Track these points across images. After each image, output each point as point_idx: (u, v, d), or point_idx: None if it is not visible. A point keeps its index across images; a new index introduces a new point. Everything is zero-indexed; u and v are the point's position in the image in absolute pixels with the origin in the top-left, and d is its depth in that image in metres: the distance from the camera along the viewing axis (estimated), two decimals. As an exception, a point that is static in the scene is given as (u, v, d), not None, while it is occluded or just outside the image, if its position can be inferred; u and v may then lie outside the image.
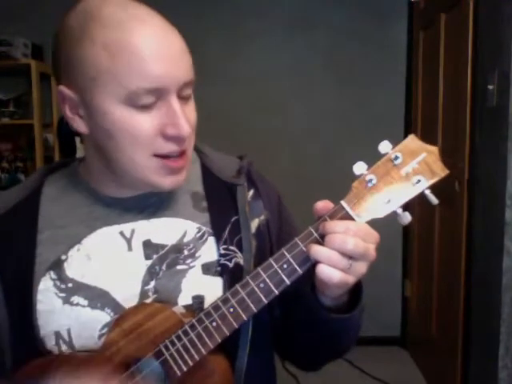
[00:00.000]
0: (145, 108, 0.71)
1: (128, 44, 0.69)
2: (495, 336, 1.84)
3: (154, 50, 0.70)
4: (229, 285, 0.78)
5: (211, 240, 0.81)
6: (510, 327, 1.82)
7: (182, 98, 0.74)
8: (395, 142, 0.71)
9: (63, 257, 0.79)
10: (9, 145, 3.14)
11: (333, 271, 0.66)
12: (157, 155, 0.74)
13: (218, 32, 3.01)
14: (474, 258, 2.10)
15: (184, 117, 0.72)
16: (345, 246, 0.65)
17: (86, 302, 0.77)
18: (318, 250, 0.66)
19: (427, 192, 0.68)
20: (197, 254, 0.81)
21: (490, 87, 1.88)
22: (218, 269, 0.80)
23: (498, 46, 1.83)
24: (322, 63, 3.11)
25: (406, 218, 0.69)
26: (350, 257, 0.66)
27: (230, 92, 3.02)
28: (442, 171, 0.68)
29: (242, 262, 0.81)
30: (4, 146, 3.13)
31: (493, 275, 1.88)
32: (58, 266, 0.79)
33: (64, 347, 0.77)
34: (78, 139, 3.32)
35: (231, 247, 0.81)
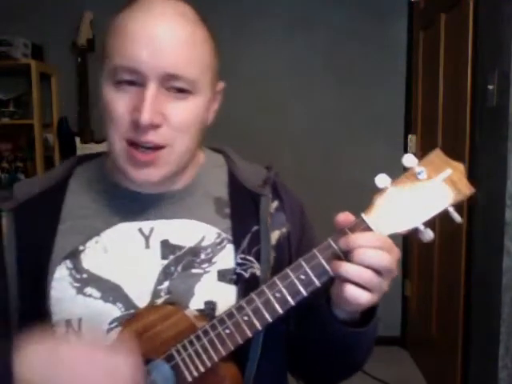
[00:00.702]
0: (122, 86, 0.73)
1: (124, 27, 0.73)
2: (495, 336, 1.84)
3: (143, 34, 0.72)
4: (243, 294, 0.77)
5: (229, 247, 0.81)
6: (510, 327, 1.82)
7: (172, 91, 0.73)
8: (414, 153, 0.68)
9: (81, 247, 0.79)
10: (9, 145, 3.13)
11: (361, 292, 0.64)
12: (126, 140, 0.74)
13: (217, 32, 3.00)
14: (473, 258, 2.10)
15: (151, 105, 0.71)
16: (381, 262, 0.63)
17: (98, 295, 0.78)
18: (347, 270, 0.64)
19: (451, 209, 0.66)
20: (213, 260, 0.80)
21: (490, 87, 1.87)
22: (234, 277, 0.80)
23: (498, 45, 1.83)
24: (321, 63, 3.11)
25: (428, 234, 0.67)
26: (379, 273, 0.64)
27: (230, 92, 3.01)
28: (467, 189, 0.66)
29: (258, 272, 0.80)
30: (4, 146, 3.13)
31: (493, 275, 1.87)
32: (74, 255, 0.79)
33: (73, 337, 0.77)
34: (77, 139, 3.32)
35: (248, 257, 0.81)
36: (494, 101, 1.86)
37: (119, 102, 0.73)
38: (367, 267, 0.64)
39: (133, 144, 0.74)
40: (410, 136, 3.00)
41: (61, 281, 0.78)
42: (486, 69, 1.96)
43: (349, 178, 3.09)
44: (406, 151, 3.05)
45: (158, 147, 0.74)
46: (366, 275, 0.64)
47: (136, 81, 0.72)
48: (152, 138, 0.73)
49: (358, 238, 0.65)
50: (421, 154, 2.86)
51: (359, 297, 0.64)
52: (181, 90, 0.74)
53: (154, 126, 0.72)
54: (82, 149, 2.92)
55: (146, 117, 0.70)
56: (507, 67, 1.76)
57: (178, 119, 0.74)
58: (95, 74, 3.33)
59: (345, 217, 0.68)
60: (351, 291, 0.64)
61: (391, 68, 3.10)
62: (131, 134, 0.73)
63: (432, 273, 2.61)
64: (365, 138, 3.11)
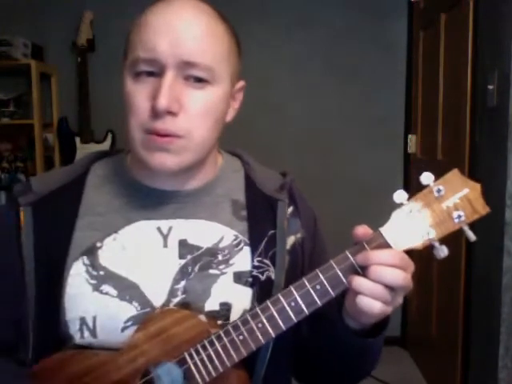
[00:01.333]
0: (142, 78, 0.74)
1: (145, 22, 0.75)
2: (495, 336, 1.84)
3: (162, 27, 0.73)
4: (258, 297, 0.79)
5: (246, 250, 0.81)
6: (510, 327, 1.82)
7: (190, 81, 0.74)
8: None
9: (98, 244, 0.79)
10: (9, 145, 3.13)
11: (374, 303, 0.66)
12: (145, 130, 0.75)
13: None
14: (473, 257, 2.10)
15: (168, 91, 0.71)
16: (395, 281, 0.65)
17: (115, 293, 0.77)
18: (361, 284, 0.66)
19: (466, 228, 0.68)
20: (230, 262, 0.81)
21: (490, 87, 1.88)
22: (250, 279, 0.80)
23: (498, 45, 1.83)
24: (321, 63, 3.11)
25: (443, 251, 0.68)
26: (392, 289, 0.66)
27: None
28: (482, 209, 0.68)
29: (273, 276, 0.81)
30: (4, 146, 3.13)
31: (493, 275, 1.88)
32: (92, 252, 0.79)
33: (86, 334, 0.77)
34: (77, 139, 3.32)
35: (265, 260, 0.81)
36: (494, 101, 1.86)
37: (139, 93, 0.74)
38: (382, 284, 0.65)
39: (151, 133, 0.75)
40: (409, 136, 3.00)
41: (77, 277, 0.78)
42: (486, 69, 1.96)
43: (349, 178, 3.09)
44: (406, 151, 3.05)
45: (174, 136, 0.74)
46: (380, 291, 0.65)
47: (155, 71, 0.74)
48: (169, 126, 0.73)
49: (375, 255, 0.66)
50: (421, 154, 2.87)
51: (372, 308, 0.66)
52: (199, 80, 0.75)
53: (171, 114, 0.73)
54: (82, 149, 2.92)
55: (162, 102, 0.71)
56: (507, 67, 1.76)
57: (195, 108, 0.75)
58: (95, 74, 3.33)
59: (363, 230, 0.69)
60: (365, 302, 0.66)
61: (391, 68, 3.10)
62: (149, 124, 0.74)
63: (432, 273, 2.61)
64: (365, 138, 3.11)
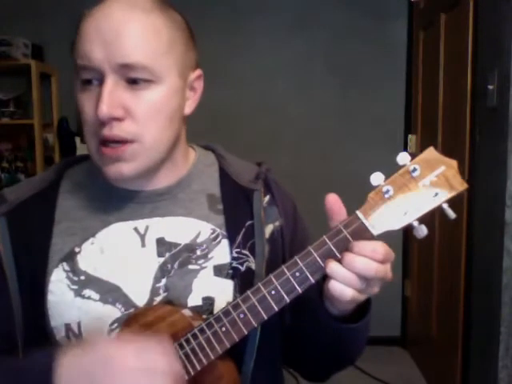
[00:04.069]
0: (87, 86, 0.75)
1: (80, 28, 0.76)
2: (495, 336, 1.84)
3: (92, 30, 0.73)
4: (239, 288, 0.79)
5: (225, 242, 0.82)
6: (510, 327, 1.82)
7: (133, 84, 0.73)
8: (411, 153, 0.69)
9: (77, 249, 0.79)
10: (9, 145, 3.14)
11: (345, 289, 0.66)
12: (97, 139, 0.75)
13: (217, 31, 3.01)
14: (474, 257, 2.10)
15: (108, 98, 0.71)
16: (367, 272, 0.65)
17: (97, 296, 0.77)
18: (335, 271, 0.66)
19: (445, 206, 0.67)
20: (209, 255, 0.81)
21: (490, 87, 1.87)
22: (230, 271, 0.80)
23: (498, 46, 1.83)
24: (322, 63, 3.11)
25: (422, 231, 0.68)
26: (366, 279, 0.66)
27: (230, 92, 3.02)
28: (460, 185, 0.67)
29: (253, 266, 0.81)
30: (4, 146, 3.13)
31: (493, 275, 1.87)
32: (71, 257, 0.79)
33: (73, 340, 0.77)
34: (77, 139, 3.32)
35: (244, 251, 0.81)
36: (494, 101, 1.86)
37: (87, 102, 0.75)
38: (354, 273, 0.65)
39: (102, 142, 0.74)
40: (409, 136, 3.00)
41: (58, 283, 0.78)
42: (486, 69, 1.96)
43: (348, 178, 3.08)
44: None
45: (125, 141, 0.74)
46: (352, 279, 0.66)
47: (97, 78, 0.73)
48: (116, 132, 0.73)
49: (352, 245, 0.66)
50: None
51: (343, 294, 0.66)
52: (139, 81, 0.73)
53: (117, 120, 0.73)
54: (82, 149, 2.92)
55: (103, 109, 0.71)
56: (507, 67, 1.76)
57: (141, 111, 0.74)
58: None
59: (334, 198, 0.70)
60: (336, 288, 0.66)
61: (391, 68, 3.10)
62: (99, 132, 0.74)
63: (432, 273, 2.61)
64: (365, 138, 3.11)
